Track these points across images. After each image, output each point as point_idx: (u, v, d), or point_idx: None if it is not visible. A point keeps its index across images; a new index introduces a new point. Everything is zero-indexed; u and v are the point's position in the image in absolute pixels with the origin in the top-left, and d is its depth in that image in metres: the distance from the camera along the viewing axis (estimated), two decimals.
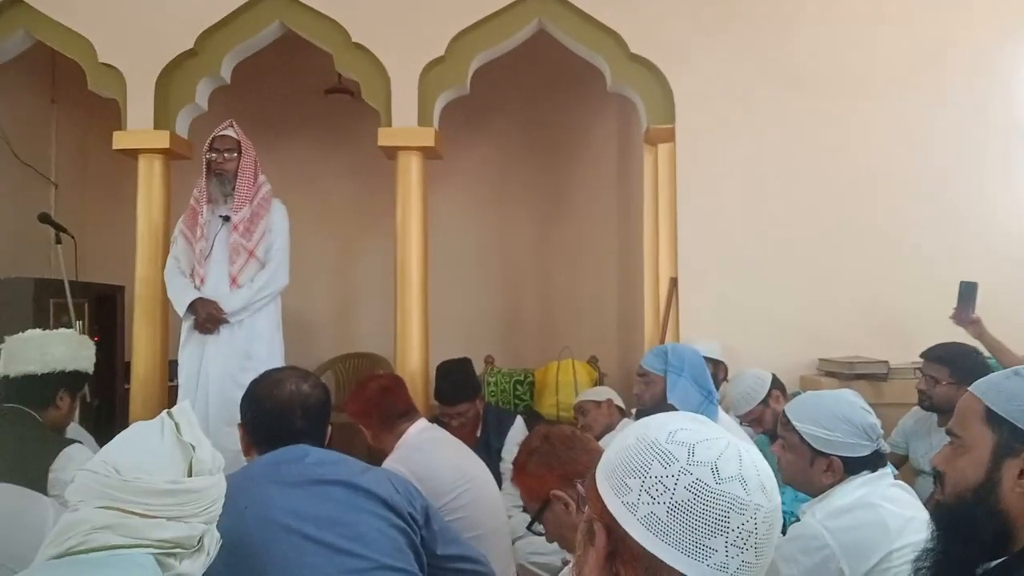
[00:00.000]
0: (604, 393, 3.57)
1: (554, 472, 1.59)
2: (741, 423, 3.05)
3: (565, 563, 1.77)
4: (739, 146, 3.82)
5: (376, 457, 2.35)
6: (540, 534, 1.65)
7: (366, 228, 5.42)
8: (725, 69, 3.84)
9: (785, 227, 3.77)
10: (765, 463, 0.81)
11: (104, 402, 4.30)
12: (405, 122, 3.87)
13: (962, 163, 3.75)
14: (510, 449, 3.30)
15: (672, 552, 0.76)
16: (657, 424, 0.83)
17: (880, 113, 3.78)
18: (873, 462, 1.76)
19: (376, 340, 5.17)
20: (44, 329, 2.29)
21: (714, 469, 0.77)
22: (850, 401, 1.80)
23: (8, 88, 4.57)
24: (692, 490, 0.76)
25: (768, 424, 2.99)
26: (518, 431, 3.37)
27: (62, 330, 2.35)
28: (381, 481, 1.66)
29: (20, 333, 2.21)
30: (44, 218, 3.89)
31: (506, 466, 3.31)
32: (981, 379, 1.20)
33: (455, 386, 3.35)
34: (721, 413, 2.73)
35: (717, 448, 0.79)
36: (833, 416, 1.75)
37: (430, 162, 4.04)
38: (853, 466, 1.74)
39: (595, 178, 5.43)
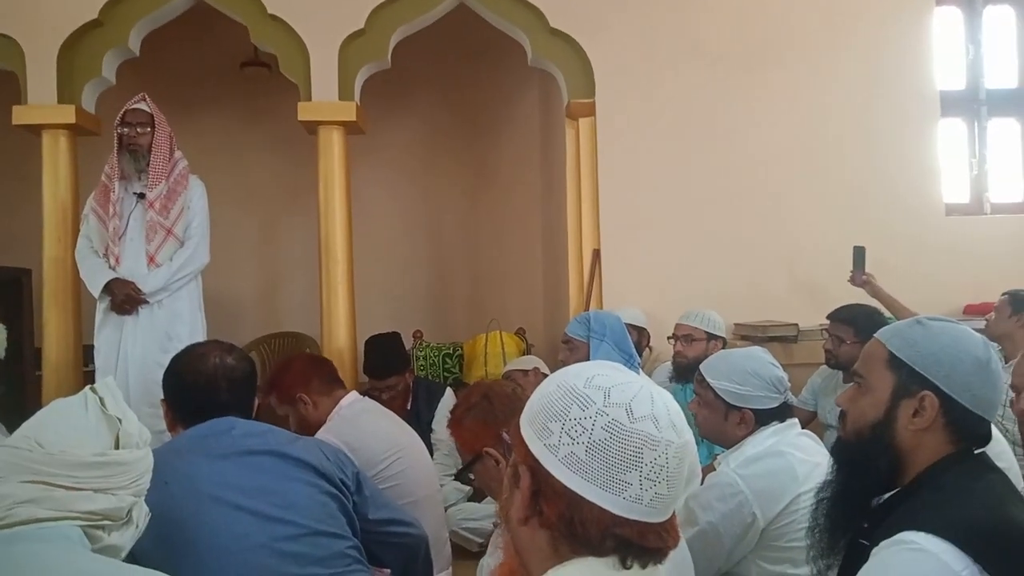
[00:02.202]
0: (531, 362, 3.64)
1: (489, 430, 1.63)
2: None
3: (496, 526, 1.82)
4: (657, 119, 3.92)
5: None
6: (469, 483, 1.69)
7: (289, 205, 5.32)
8: (642, 43, 3.92)
9: (700, 198, 3.90)
10: (676, 404, 0.87)
11: (12, 390, 4.12)
12: (325, 96, 3.81)
13: (870, 133, 3.94)
14: (440, 420, 3.34)
15: (591, 488, 0.81)
16: (575, 371, 0.88)
17: (787, 84, 3.95)
18: (781, 413, 1.88)
19: (302, 319, 5.11)
20: None
21: (628, 410, 0.82)
22: (759, 357, 1.92)
23: None
24: (608, 430, 0.81)
25: None
26: (448, 402, 3.41)
27: None
28: (311, 449, 1.67)
29: None
30: None
31: (437, 437, 3.35)
32: (887, 327, 1.30)
33: (384, 360, 3.37)
34: (642, 374, 2.83)
35: (631, 391, 0.84)
36: (744, 372, 1.86)
37: (353, 137, 3.99)
38: (763, 417, 1.86)
39: (519, 152, 5.47)
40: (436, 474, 2.60)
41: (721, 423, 1.88)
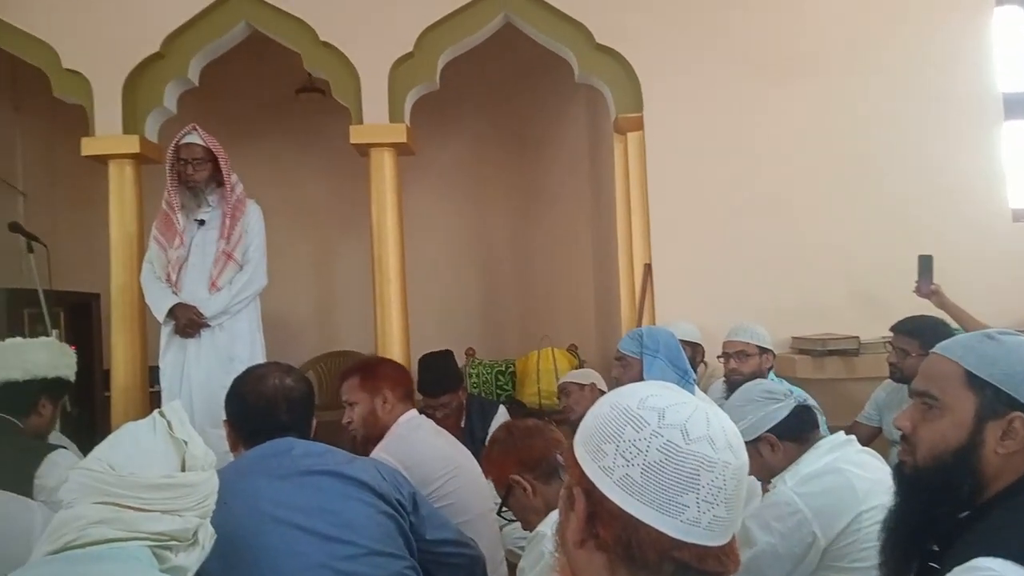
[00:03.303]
0: (589, 376, 3.60)
1: (511, 458, 1.71)
2: None
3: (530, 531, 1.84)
4: (706, 131, 3.88)
5: (360, 453, 2.36)
6: (510, 520, 1.73)
7: (342, 226, 5.42)
8: (690, 56, 3.90)
9: (755, 209, 3.84)
10: (732, 425, 0.86)
11: (83, 411, 4.28)
12: (376, 119, 3.89)
13: (928, 139, 3.83)
14: None
15: (647, 510, 0.80)
16: (629, 392, 0.88)
17: (840, 91, 3.86)
18: (804, 419, 1.86)
19: (357, 337, 5.19)
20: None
21: (683, 431, 0.81)
22: (745, 387, 1.97)
23: None
24: (663, 451, 0.81)
25: None
26: (501, 420, 3.40)
27: (43, 338, 2.36)
28: (368, 469, 1.70)
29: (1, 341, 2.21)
30: (14, 227, 3.86)
31: None
32: (949, 342, 1.23)
33: (438, 378, 3.38)
34: (699, 393, 2.79)
35: (685, 411, 0.83)
36: (739, 408, 1.87)
37: (403, 158, 4.06)
38: (791, 431, 1.84)
39: (568, 167, 5.48)
40: (491, 492, 2.60)
41: (757, 459, 1.85)
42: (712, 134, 3.88)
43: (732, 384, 3.13)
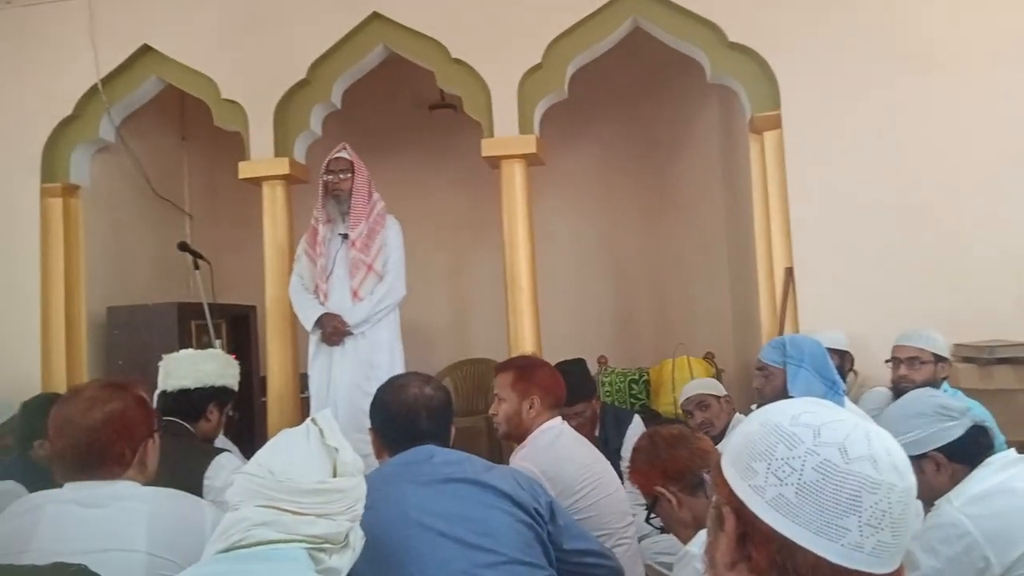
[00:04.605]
0: (720, 387, 3.48)
1: (655, 468, 1.66)
2: None
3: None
4: (850, 127, 3.67)
5: (497, 458, 2.39)
6: (658, 528, 1.70)
7: (475, 237, 5.54)
8: (831, 50, 3.70)
9: (906, 208, 3.58)
10: (896, 445, 0.80)
11: (242, 416, 4.60)
12: (507, 131, 3.96)
13: None
14: (629, 448, 3.27)
15: (804, 533, 0.76)
16: (779, 409, 0.84)
17: (1003, 85, 3.54)
18: (978, 439, 1.70)
19: (490, 346, 5.27)
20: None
21: (842, 449, 0.77)
22: (916, 396, 1.79)
23: (144, 130, 4.98)
24: (820, 471, 0.76)
25: None
26: (636, 430, 3.35)
27: (211, 349, 2.57)
28: (506, 478, 1.72)
29: (175, 352, 2.43)
30: (183, 246, 4.20)
31: (625, 465, 3.29)
32: None
33: (571, 386, 3.33)
34: (850, 404, 2.63)
35: (843, 429, 0.79)
36: (905, 418, 1.73)
37: (533, 168, 4.10)
38: (963, 453, 1.69)
39: (701, 170, 5.34)
40: (628, 506, 2.56)
41: (918, 477, 1.70)
42: (855, 130, 3.66)
43: (899, 392, 2.92)
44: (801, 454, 0.78)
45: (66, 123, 4.43)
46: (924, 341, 2.96)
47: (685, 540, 1.61)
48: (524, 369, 2.44)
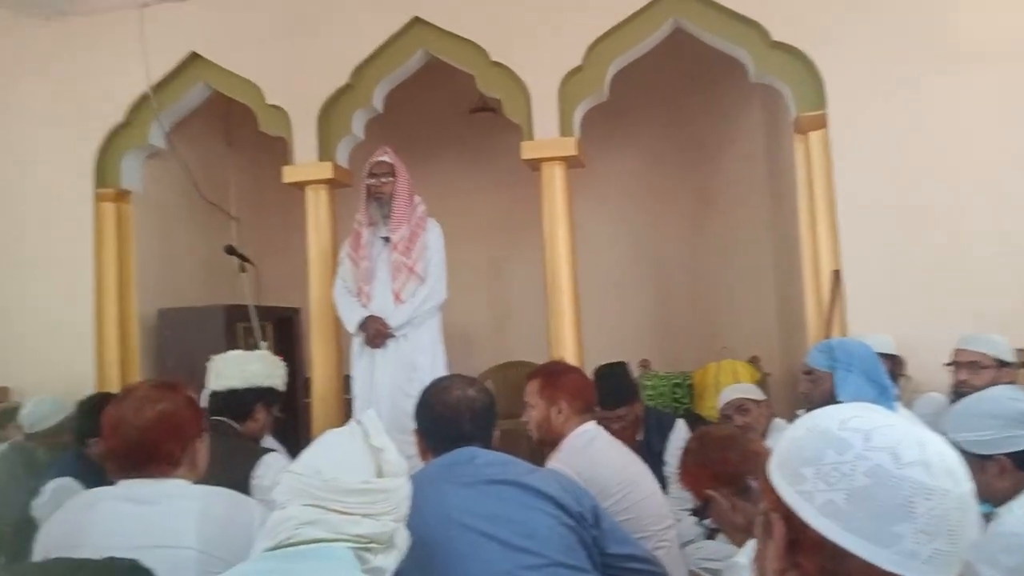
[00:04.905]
0: (759, 392, 3.43)
1: (705, 471, 1.65)
2: None
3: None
4: (899, 126, 3.58)
5: (538, 461, 2.38)
6: (711, 528, 1.69)
7: (516, 239, 5.54)
8: (878, 47, 3.62)
9: (957, 208, 3.49)
10: (950, 450, 0.78)
11: (288, 416, 4.67)
12: (547, 134, 3.95)
13: None
14: (672, 452, 3.25)
15: (856, 539, 0.74)
16: (827, 413, 0.83)
17: None
18: None
19: (531, 348, 5.25)
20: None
21: (894, 454, 0.75)
22: (995, 396, 1.72)
23: (192, 136, 5.09)
24: (871, 476, 0.75)
25: None
26: (680, 434, 3.32)
27: (258, 351, 2.61)
28: (549, 481, 1.71)
29: (224, 353, 2.48)
30: (229, 250, 4.28)
31: (669, 469, 3.27)
32: None
33: (614, 389, 3.34)
34: (902, 409, 2.57)
35: (895, 434, 0.77)
36: (980, 416, 1.68)
37: (573, 170, 4.09)
38: None
39: (744, 172, 5.27)
40: (669, 508, 2.54)
41: (979, 479, 1.65)
42: (904, 129, 3.58)
43: (959, 396, 2.85)
44: (851, 459, 0.76)
45: (118, 130, 4.56)
46: (985, 345, 2.87)
47: (740, 544, 1.59)
48: (550, 375, 2.45)
